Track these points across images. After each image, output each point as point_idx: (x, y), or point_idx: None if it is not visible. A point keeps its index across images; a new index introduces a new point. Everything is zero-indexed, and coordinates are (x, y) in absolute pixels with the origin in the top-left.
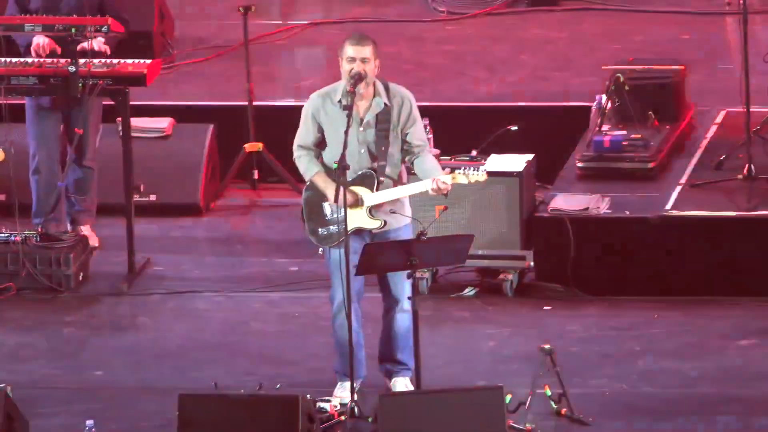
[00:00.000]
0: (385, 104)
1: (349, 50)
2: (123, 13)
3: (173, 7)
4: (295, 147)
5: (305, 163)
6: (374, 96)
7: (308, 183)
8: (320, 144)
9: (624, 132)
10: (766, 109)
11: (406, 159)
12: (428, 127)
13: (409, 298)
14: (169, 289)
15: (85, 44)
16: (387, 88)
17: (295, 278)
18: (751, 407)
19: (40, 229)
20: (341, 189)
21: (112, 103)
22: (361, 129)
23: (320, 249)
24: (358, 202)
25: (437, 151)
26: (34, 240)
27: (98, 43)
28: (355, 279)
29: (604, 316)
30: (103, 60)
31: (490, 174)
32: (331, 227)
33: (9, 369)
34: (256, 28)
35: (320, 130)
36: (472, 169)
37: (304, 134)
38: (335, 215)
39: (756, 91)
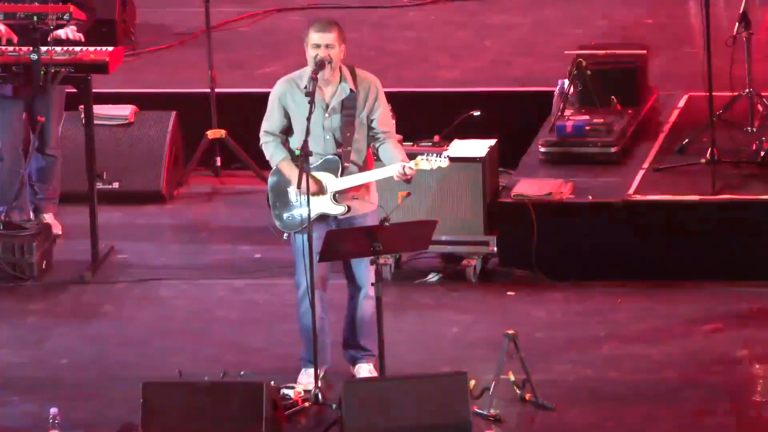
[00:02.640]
0: (351, 90)
1: (314, 37)
2: (90, 2)
3: None
4: (261, 133)
5: (271, 149)
6: (340, 81)
7: (274, 168)
8: (287, 130)
9: (587, 117)
10: (728, 93)
11: (372, 145)
12: (391, 113)
13: (372, 284)
14: (133, 277)
15: (60, 32)
16: (354, 74)
17: (260, 265)
18: (715, 391)
19: (3, 218)
20: (304, 176)
21: (75, 90)
22: (327, 114)
23: (285, 235)
24: (321, 191)
25: (400, 137)
26: None
27: (72, 32)
28: (320, 265)
29: (568, 302)
30: (65, 48)
31: (452, 159)
32: (296, 212)
33: None
34: (218, 15)
35: (287, 115)
36: (434, 155)
37: (271, 120)
38: (300, 201)
39: (718, 75)
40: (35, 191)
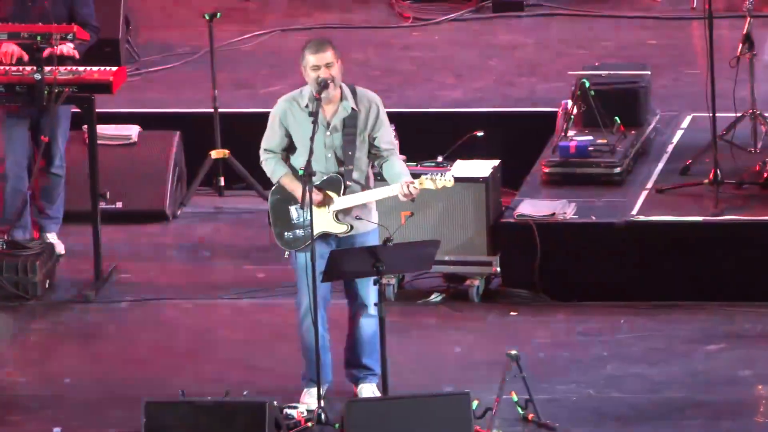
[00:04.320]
0: (352, 108)
1: (311, 59)
2: (93, 22)
3: (139, 14)
4: (261, 150)
5: (272, 165)
6: (341, 100)
7: (274, 187)
8: (287, 148)
9: (590, 137)
10: (731, 113)
11: (375, 163)
12: (394, 133)
13: (375, 304)
14: (136, 297)
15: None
16: (354, 92)
17: (263, 285)
18: (718, 412)
19: (6, 237)
20: (307, 194)
21: (79, 110)
22: (328, 133)
23: (286, 253)
24: (326, 201)
25: (404, 157)
26: (0, 247)
27: (68, 48)
28: (320, 285)
29: (570, 322)
30: (68, 67)
31: (456, 180)
32: (297, 231)
33: None
34: (222, 34)
35: (287, 134)
36: (439, 174)
37: (271, 138)
38: (301, 219)
39: (722, 96)
40: (39, 210)
